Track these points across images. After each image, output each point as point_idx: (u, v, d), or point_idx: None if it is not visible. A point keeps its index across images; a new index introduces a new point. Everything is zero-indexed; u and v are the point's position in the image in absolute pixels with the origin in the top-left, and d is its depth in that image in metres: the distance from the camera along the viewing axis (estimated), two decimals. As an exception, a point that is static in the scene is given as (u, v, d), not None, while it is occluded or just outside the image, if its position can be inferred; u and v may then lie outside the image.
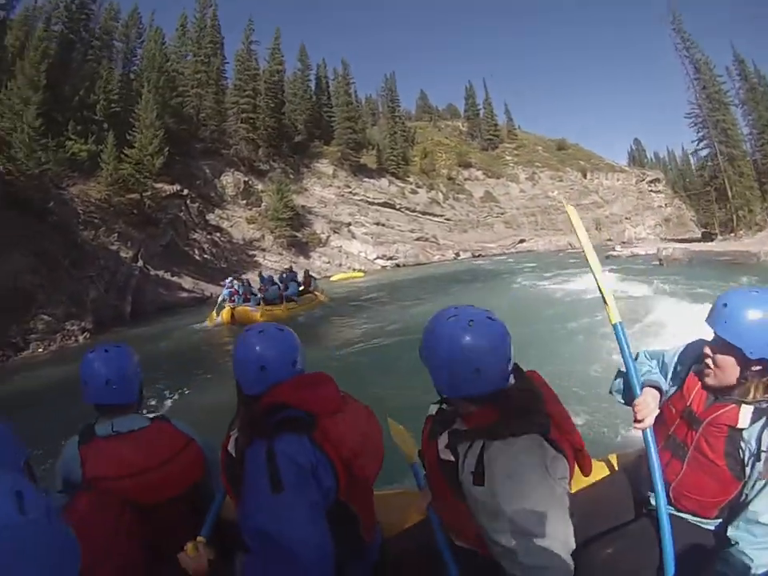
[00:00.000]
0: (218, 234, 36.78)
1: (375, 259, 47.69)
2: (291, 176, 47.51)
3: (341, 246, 46.28)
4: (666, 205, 74.18)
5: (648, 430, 2.05)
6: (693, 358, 2.15)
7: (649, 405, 2.06)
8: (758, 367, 1.85)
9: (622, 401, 2.36)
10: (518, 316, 12.43)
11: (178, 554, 1.76)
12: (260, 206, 41.99)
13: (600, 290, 2.26)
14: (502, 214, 64.28)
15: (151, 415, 2.41)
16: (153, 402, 8.63)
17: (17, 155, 22.14)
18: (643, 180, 76.45)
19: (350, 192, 50.91)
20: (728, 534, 1.89)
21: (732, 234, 48.18)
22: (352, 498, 1.78)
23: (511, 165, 72.61)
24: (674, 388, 2.19)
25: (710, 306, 1.99)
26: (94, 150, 29.57)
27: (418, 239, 53.03)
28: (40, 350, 16.49)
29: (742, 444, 1.88)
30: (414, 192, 57.86)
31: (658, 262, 26.61)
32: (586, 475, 1.90)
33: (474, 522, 1.65)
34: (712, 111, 52.08)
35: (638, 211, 71.34)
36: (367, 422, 1.94)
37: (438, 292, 22.52)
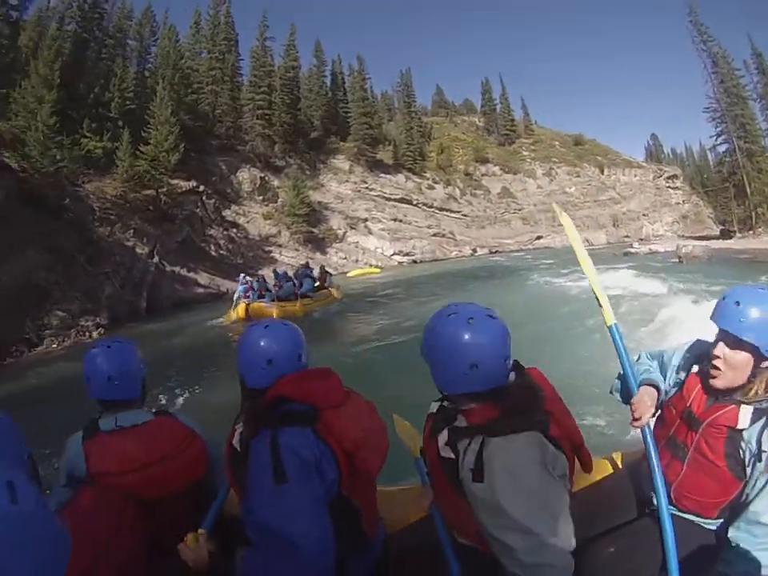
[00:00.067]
0: (235, 230, 36.79)
1: (392, 255, 47.48)
2: (307, 172, 47.38)
3: (357, 242, 46.10)
4: (683, 201, 73.07)
5: (646, 428, 2.07)
6: (693, 359, 2.17)
7: (645, 403, 2.08)
8: (767, 364, 1.87)
9: (621, 400, 2.34)
10: (533, 313, 12.42)
11: (178, 545, 1.73)
12: (276, 202, 41.91)
13: (595, 295, 2.34)
14: (519, 210, 63.81)
15: (154, 410, 2.42)
16: (164, 400, 8.55)
17: (31, 153, 22.15)
18: (661, 176, 75.44)
19: (367, 188, 50.68)
20: (729, 535, 1.88)
21: (751, 232, 47.31)
22: (354, 491, 1.79)
23: (528, 160, 71.86)
24: (675, 389, 2.20)
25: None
26: (109, 147, 29.60)
27: (434, 235, 52.72)
28: (54, 345, 16.43)
29: (743, 444, 1.88)
30: (430, 188, 57.56)
31: (677, 260, 26.17)
32: (587, 472, 1.95)
33: (474, 520, 1.65)
34: (730, 106, 51.51)
35: (655, 208, 70.52)
36: (370, 416, 1.95)
37: (455, 288, 22.44)
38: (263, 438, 1.66)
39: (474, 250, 53.90)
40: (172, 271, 27.32)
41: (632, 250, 35.91)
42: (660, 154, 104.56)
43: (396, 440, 2.51)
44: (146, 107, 33.21)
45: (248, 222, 38.65)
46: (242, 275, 19.98)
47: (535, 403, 1.67)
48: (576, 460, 1.83)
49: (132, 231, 26.40)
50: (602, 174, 73.02)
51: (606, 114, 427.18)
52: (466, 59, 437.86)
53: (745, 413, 1.88)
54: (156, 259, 26.24)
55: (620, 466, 2.66)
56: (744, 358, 1.87)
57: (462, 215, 57.79)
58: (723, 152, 55.32)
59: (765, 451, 1.81)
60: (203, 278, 28.95)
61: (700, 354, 2.13)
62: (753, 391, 1.88)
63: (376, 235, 47.93)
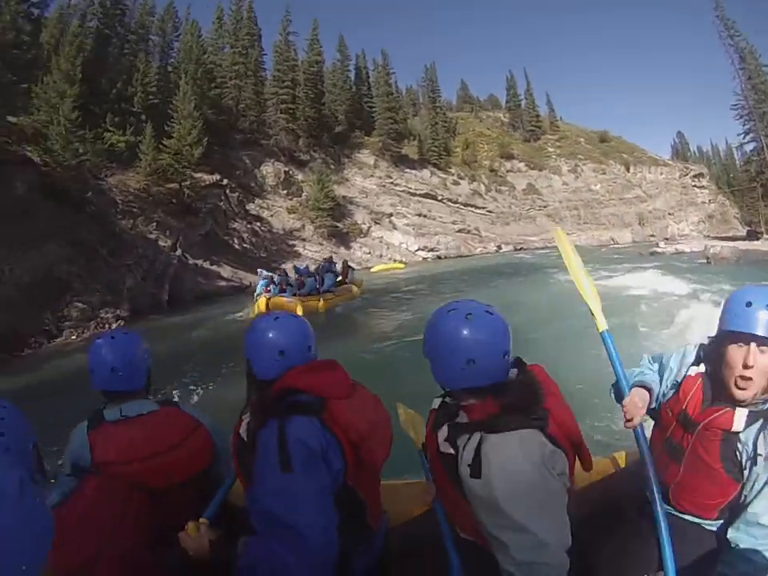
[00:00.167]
0: (258, 224, 36.88)
1: (416, 251, 47.30)
2: (332, 166, 47.53)
3: (382, 237, 45.96)
4: (709, 201, 71.81)
5: (639, 428, 2.11)
6: (689, 361, 2.14)
7: (636, 404, 2.08)
8: None
9: (617, 402, 2.32)
10: (555, 311, 12.20)
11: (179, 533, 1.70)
12: (300, 196, 42.00)
13: (587, 306, 2.46)
14: (545, 206, 63.52)
15: (159, 400, 2.43)
16: (181, 393, 8.43)
17: (53, 147, 22.22)
18: (687, 174, 74.17)
19: (392, 182, 50.69)
20: (728, 536, 1.87)
21: (778, 233, 45.86)
22: (359, 482, 1.80)
23: (553, 157, 71.52)
24: (672, 391, 2.18)
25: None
26: (132, 140, 29.81)
27: (459, 231, 52.55)
28: (73, 337, 16.36)
29: (739, 446, 1.86)
30: (456, 183, 57.56)
31: (705, 260, 25.58)
32: (587, 471, 1.93)
33: (473, 515, 1.65)
34: (758, 103, 50.40)
35: (681, 207, 69.33)
36: (375, 408, 1.97)
37: (480, 285, 22.24)
38: (270, 428, 1.67)
39: (499, 247, 53.53)
40: (195, 264, 27.32)
41: (658, 250, 35.58)
42: (686, 152, 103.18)
43: (400, 434, 2.48)
44: (168, 102, 33.34)
45: (272, 215, 38.74)
46: (260, 270, 20.06)
47: (534, 400, 1.66)
48: (577, 459, 1.81)
49: (155, 224, 26.53)
50: (628, 171, 72.16)
51: (631, 110, 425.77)
52: (491, 54, 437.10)
53: (740, 415, 1.86)
54: (179, 252, 26.24)
55: (621, 466, 2.69)
56: None
57: (487, 211, 57.60)
58: (750, 150, 54.47)
59: (760, 454, 1.79)
60: (226, 271, 28.83)
61: (697, 356, 2.12)
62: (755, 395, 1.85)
63: (400, 230, 47.77)
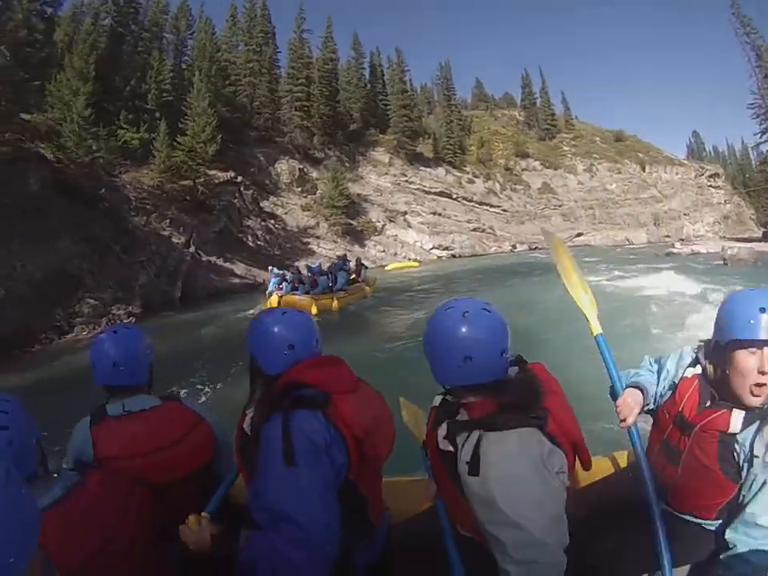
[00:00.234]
0: (273, 221, 36.80)
1: (431, 249, 47.04)
2: (347, 164, 47.36)
3: (396, 235, 45.73)
4: (725, 201, 71.06)
5: (633, 428, 2.16)
6: (687, 363, 2.17)
7: (628, 405, 2.14)
8: None
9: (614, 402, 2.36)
10: (567, 311, 11.77)
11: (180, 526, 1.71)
12: (315, 194, 41.91)
13: (582, 310, 2.48)
14: (560, 206, 63.00)
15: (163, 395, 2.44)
16: (190, 390, 8.56)
17: (66, 144, 22.28)
18: (702, 174, 73.43)
19: (406, 180, 50.45)
20: (726, 537, 1.88)
21: (796, 235, 45.12)
22: (361, 478, 1.79)
23: (569, 156, 70.81)
24: (669, 392, 2.20)
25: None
26: (146, 138, 29.82)
27: (474, 230, 52.26)
28: (84, 333, 16.29)
29: (736, 447, 1.86)
30: (470, 182, 57.16)
31: (721, 262, 25.42)
32: (586, 470, 1.91)
33: (472, 513, 1.66)
34: (775, 101, 49.35)
35: (696, 207, 68.60)
36: (378, 405, 1.97)
37: (494, 284, 22.15)
38: (275, 422, 1.66)
39: (514, 246, 53.28)
40: (208, 261, 27.31)
41: (674, 251, 35.45)
42: (701, 152, 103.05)
43: (404, 432, 2.53)
44: (183, 99, 33.31)
45: (286, 213, 38.67)
46: (271, 268, 20.09)
47: (534, 399, 1.67)
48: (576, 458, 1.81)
49: (168, 221, 26.53)
50: (644, 171, 71.45)
51: (646, 109, 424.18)
52: (506, 52, 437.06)
53: (737, 416, 1.86)
54: (192, 249, 26.22)
55: (621, 466, 2.70)
56: None
57: (502, 210, 57.24)
58: (767, 150, 53.40)
59: (757, 456, 1.80)
60: (240, 268, 28.81)
61: (694, 358, 2.14)
62: None
63: (415, 229, 47.55)
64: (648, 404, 2.23)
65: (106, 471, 1.88)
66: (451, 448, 1.69)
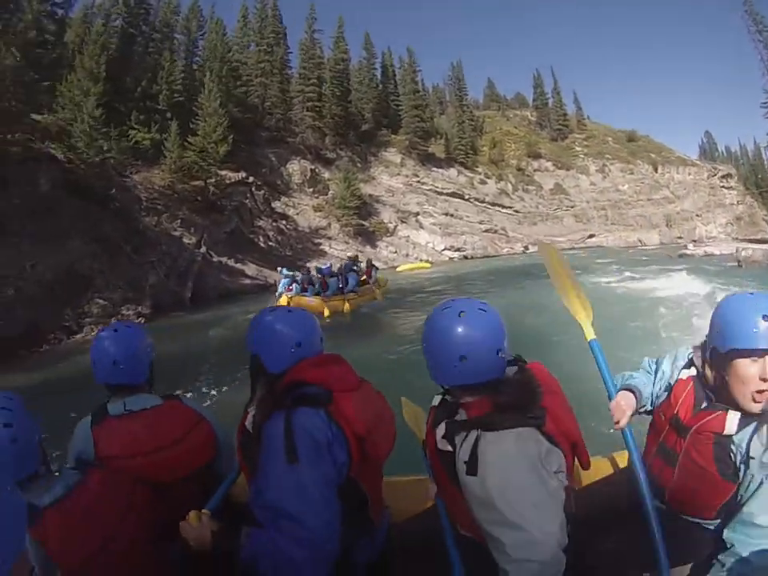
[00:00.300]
0: (284, 222, 36.79)
1: (443, 250, 46.93)
2: (358, 164, 47.30)
3: (408, 236, 45.62)
4: (737, 202, 70.51)
5: (627, 429, 2.17)
6: (681, 365, 2.16)
7: (621, 407, 2.16)
8: None
9: None
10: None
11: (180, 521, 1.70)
12: (327, 194, 41.84)
13: (575, 318, 2.59)
14: (572, 207, 62.62)
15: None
16: (193, 394, 8.36)
17: (77, 144, 22.34)
18: (715, 175, 72.83)
19: (418, 181, 50.36)
20: (725, 536, 1.88)
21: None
22: (362, 476, 1.79)
23: (581, 156, 70.53)
24: (665, 393, 2.19)
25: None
26: (157, 138, 29.88)
27: (486, 231, 52.05)
28: (93, 333, 16.02)
29: (732, 448, 1.86)
30: (482, 182, 57.02)
31: (736, 263, 25.20)
32: (585, 469, 1.91)
33: (471, 512, 1.66)
34: (789, 100, 48.84)
35: (709, 208, 68.03)
36: (380, 404, 1.97)
37: (506, 286, 22.04)
38: (277, 420, 1.65)
39: (526, 247, 52.72)
40: (219, 262, 27.36)
41: (687, 252, 35.28)
42: (714, 152, 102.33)
43: (405, 431, 2.54)
44: (194, 99, 33.36)
45: (298, 213, 38.61)
46: (280, 269, 20.03)
47: (531, 398, 1.67)
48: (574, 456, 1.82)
49: (179, 221, 26.55)
50: (656, 171, 70.97)
51: (658, 109, 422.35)
52: (518, 52, 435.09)
53: (732, 418, 1.85)
54: (203, 249, 26.22)
55: (620, 466, 2.69)
56: None
57: (514, 211, 57.06)
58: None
59: (753, 458, 1.79)
60: (251, 269, 28.79)
61: (689, 359, 2.12)
62: None
63: (427, 230, 47.44)
64: (644, 405, 2.26)
65: (107, 470, 1.89)
66: (450, 448, 1.69)
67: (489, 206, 54.80)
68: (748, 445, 1.81)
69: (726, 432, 1.86)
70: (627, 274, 21.60)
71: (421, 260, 42.17)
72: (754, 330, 1.73)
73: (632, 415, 2.17)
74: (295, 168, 41.53)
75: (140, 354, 2.29)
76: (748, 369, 1.78)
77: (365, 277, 19.07)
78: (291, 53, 49.48)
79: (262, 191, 36.39)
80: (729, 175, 73.98)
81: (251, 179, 35.58)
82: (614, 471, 2.68)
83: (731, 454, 1.86)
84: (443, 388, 1.87)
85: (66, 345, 15.15)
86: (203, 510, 1.75)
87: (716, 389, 1.93)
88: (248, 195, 34.50)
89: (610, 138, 76.71)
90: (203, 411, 2.42)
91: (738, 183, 75.39)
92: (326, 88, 47.29)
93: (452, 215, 50.03)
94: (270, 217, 35.70)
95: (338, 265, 20.57)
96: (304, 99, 45.46)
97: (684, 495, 2.04)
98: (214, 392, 8.71)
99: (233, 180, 33.68)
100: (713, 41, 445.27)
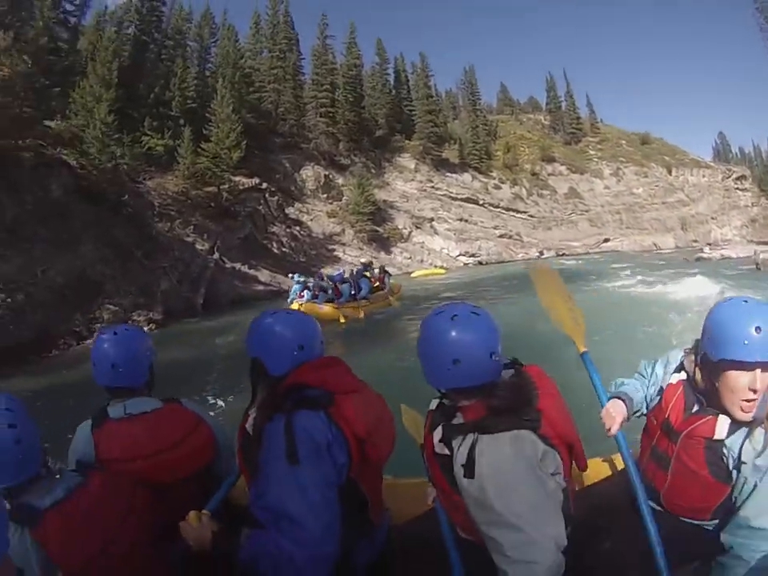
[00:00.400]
0: (298, 228, 36.70)
1: (457, 256, 46.76)
2: (372, 170, 47.15)
3: (423, 242, 45.46)
4: (752, 204, 70.55)
5: (619, 435, 2.19)
6: (673, 369, 2.19)
7: (611, 414, 2.20)
8: None
9: None
10: (589, 320, 11.92)
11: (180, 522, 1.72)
12: (341, 200, 41.73)
13: (566, 332, 2.66)
14: (587, 211, 62.36)
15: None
16: (201, 400, 8.42)
17: (89, 150, 22.34)
18: (729, 177, 72.80)
19: (433, 187, 50.18)
20: (722, 539, 1.91)
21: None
22: (362, 478, 1.80)
23: (595, 160, 70.44)
24: (658, 398, 2.23)
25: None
26: (170, 144, 29.90)
27: (501, 236, 51.85)
28: (101, 339, 16.07)
29: (724, 451, 1.88)
30: (497, 187, 56.78)
31: (754, 266, 25.12)
32: (581, 471, 1.94)
33: (470, 515, 1.67)
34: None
35: (723, 210, 68.01)
36: (380, 406, 1.97)
37: (521, 292, 21.46)
38: (277, 422, 1.66)
39: (541, 252, 52.69)
40: (232, 268, 27.28)
41: (704, 255, 35.28)
42: (728, 154, 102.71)
43: (405, 434, 2.58)
44: (207, 106, 33.44)
45: (311, 219, 38.51)
46: (291, 275, 19.96)
47: (527, 401, 1.69)
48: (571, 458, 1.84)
49: (192, 227, 26.57)
50: (670, 174, 70.96)
51: (672, 111, 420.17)
52: (530, 56, 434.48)
53: (722, 423, 1.88)
54: (216, 255, 26.17)
55: (618, 468, 2.68)
56: None
57: (529, 216, 56.83)
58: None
59: (744, 462, 1.82)
60: (264, 275, 28.69)
61: (679, 364, 2.15)
62: None
63: (442, 235, 47.25)
64: (638, 410, 2.30)
65: (107, 473, 1.91)
66: (447, 451, 1.70)
67: (503, 211, 54.56)
68: (740, 450, 1.83)
69: (716, 437, 1.89)
70: (644, 278, 21.54)
71: (435, 266, 41.94)
72: (746, 342, 1.72)
73: (623, 422, 2.21)
74: (309, 174, 41.45)
75: (140, 356, 2.30)
76: (738, 379, 1.79)
77: (378, 283, 18.91)
78: (304, 59, 49.64)
79: (276, 197, 36.33)
80: (743, 177, 74.05)
81: (265, 185, 35.53)
82: (612, 472, 2.71)
83: (723, 458, 1.88)
84: (439, 392, 1.88)
85: (75, 350, 15.06)
86: (203, 511, 1.75)
87: (706, 393, 1.95)
88: (261, 201, 34.46)
89: (623, 141, 76.83)
90: (203, 414, 2.42)
91: (753, 185, 75.37)
92: (339, 94, 47.25)
93: (466, 221, 49.84)
94: (283, 223, 35.65)
95: (351, 271, 20.39)
96: (317, 105, 45.40)
97: (679, 497, 2.06)
98: (221, 399, 8.63)
99: (246, 186, 33.65)
100: (725, 40, 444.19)
